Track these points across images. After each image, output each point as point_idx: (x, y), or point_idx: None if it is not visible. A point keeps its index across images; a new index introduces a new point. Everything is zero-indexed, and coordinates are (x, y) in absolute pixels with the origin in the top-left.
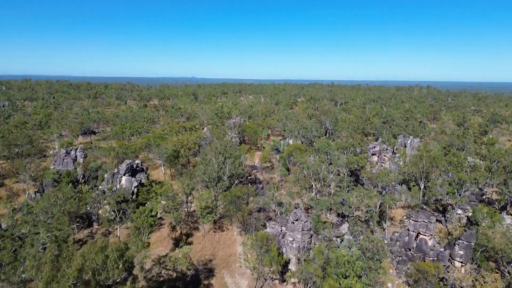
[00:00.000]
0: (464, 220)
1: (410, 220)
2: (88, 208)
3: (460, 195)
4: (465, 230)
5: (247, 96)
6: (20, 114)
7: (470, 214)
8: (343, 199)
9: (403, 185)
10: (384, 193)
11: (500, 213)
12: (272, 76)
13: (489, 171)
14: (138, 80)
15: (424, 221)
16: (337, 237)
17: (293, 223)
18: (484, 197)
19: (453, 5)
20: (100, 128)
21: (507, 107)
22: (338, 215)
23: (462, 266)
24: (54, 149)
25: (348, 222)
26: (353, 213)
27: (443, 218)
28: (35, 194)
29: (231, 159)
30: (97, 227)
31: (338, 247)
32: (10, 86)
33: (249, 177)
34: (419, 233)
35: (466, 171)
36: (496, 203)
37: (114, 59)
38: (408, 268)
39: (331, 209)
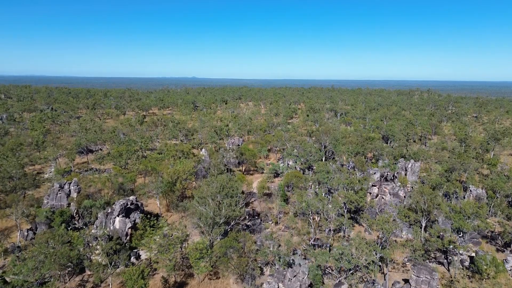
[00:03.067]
0: (467, 263)
1: (412, 275)
2: (81, 250)
3: (464, 241)
4: (469, 277)
5: (247, 103)
6: (18, 130)
7: (473, 254)
8: (342, 253)
9: (402, 216)
10: (384, 240)
11: (503, 251)
12: (273, 76)
13: (492, 200)
14: (139, 81)
15: (426, 278)
16: None
17: (291, 280)
18: (487, 231)
19: (454, 4)
20: (98, 147)
21: (508, 114)
22: (337, 268)
23: None
24: (50, 172)
25: (346, 281)
26: (353, 268)
27: (445, 260)
28: (27, 232)
29: (228, 199)
30: (89, 273)
31: None
32: (9, 95)
33: (246, 210)
34: None
35: (468, 217)
36: (499, 238)
37: (115, 59)
38: None
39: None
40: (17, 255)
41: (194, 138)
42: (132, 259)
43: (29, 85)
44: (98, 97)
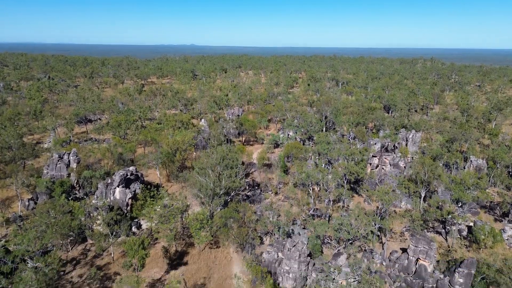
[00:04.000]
0: (465, 232)
1: (410, 245)
2: (82, 219)
3: (463, 212)
4: (466, 246)
5: (247, 72)
6: (15, 99)
7: (472, 224)
8: (340, 225)
9: (402, 187)
10: (384, 211)
11: (501, 221)
12: (274, 44)
13: (492, 170)
14: (136, 48)
15: (424, 247)
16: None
17: (290, 249)
18: (486, 201)
19: None
20: (97, 116)
21: None
22: (336, 238)
23: None
24: (49, 142)
25: (345, 251)
26: (352, 238)
27: (443, 230)
28: (28, 202)
29: (228, 170)
30: (91, 242)
31: (335, 278)
32: (5, 63)
33: (246, 181)
34: (419, 258)
35: (468, 188)
36: (498, 207)
37: (111, 26)
38: None
39: (330, 217)
40: (19, 224)
41: (193, 108)
42: (133, 228)
43: (25, 53)
44: (95, 65)
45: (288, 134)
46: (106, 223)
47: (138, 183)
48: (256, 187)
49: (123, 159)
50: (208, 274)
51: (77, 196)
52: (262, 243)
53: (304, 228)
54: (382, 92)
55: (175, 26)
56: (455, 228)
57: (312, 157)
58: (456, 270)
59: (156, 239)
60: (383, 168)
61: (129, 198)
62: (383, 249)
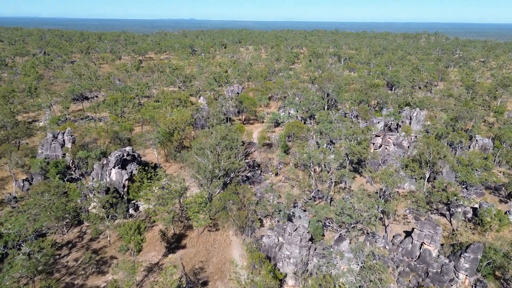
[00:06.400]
0: (470, 214)
1: (415, 229)
2: (79, 201)
3: (469, 194)
4: (471, 229)
5: (247, 47)
6: (10, 75)
7: (477, 206)
8: (342, 209)
9: (407, 170)
10: (387, 194)
11: (506, 202)
12: (275, 18)
13: (497, 149)
14: (134, 23)
15: (429, 232)
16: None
17: (291, 234)
18: (491, 182)
19: None
20: (93, 94)
21: None
22: (337, 222)
23: (466, 278)
24: (45, 120)
25: (347, 235)
26: (355, 223)
27: (447, 212)
28: (23, 182)
29: (227, 151)
30: (87, 224)
31: (337, 264)
32: (0, 38)
33: (246, 161)
34: (423, 243)
35: (476, 170)
36: (503, 188)
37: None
38: (410, 281)
39: (332, 200)
40: (13, 206)
41: (192, 85)
42: (131, 210)
43: (20, 28)
44: (92, 40)
45: (289, 113)
46: (102, 206)
47: (135, 163)
48: (256, 168)
49: (119, 138)
50: (207, 258)
51: (73, 177)
52: (262, 225)
53: (305, 211)
54: (385, 68)
55: None
56: (460, 210)
57: (314, 136)
58: (462, 255)
59: (154, 221)
60: (386, 148)
61: (126, 180)
62: (385, 232)
